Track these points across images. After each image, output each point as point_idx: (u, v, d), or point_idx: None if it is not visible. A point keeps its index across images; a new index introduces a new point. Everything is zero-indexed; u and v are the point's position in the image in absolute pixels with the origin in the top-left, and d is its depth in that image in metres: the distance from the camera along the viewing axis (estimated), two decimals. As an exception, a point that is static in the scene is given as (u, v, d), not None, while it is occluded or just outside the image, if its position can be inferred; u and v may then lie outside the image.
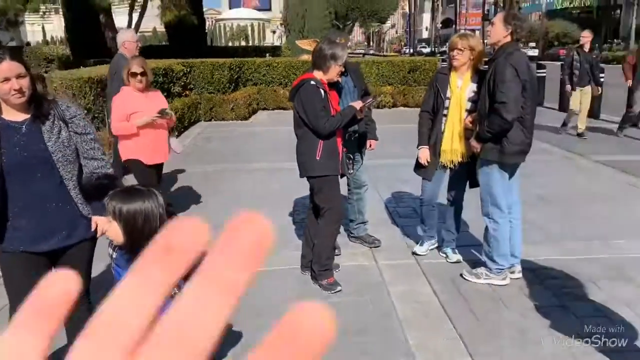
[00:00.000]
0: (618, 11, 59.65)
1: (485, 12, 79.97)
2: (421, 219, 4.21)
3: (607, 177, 6.82)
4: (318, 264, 3.64)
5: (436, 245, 4.21)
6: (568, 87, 9.28)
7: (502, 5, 67.40)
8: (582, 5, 66.33)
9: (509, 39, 3.40)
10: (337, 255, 3.98)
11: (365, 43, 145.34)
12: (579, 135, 9.33)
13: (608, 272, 3.77)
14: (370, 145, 4.29)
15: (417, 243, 4.24)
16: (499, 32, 3.42)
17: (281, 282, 3.71)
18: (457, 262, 3.98)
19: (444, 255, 4.09)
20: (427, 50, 72.71)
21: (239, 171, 7.22)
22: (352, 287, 3.65)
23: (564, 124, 9.65)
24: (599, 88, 9.37)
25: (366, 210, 4.44)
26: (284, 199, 5.70)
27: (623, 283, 3.60)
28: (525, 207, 5.22)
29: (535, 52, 55.57)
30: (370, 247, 4.32)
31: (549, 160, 7.66)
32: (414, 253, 4.17)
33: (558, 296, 3.45)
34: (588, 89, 9.08)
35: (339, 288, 3.59)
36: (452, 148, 3.79)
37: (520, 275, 3.70)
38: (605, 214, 5.21)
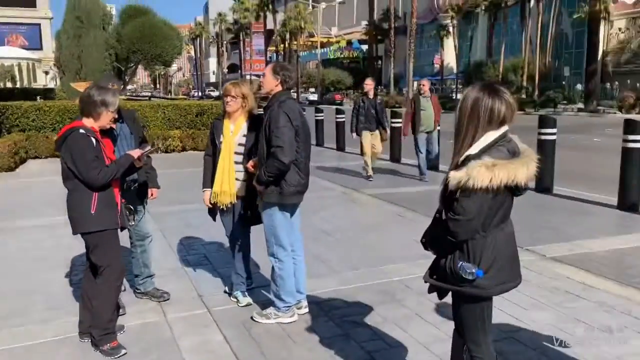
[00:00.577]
0: (379, 62, 68.39)
1: (268, 59, 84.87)
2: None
3: (378, 208, 7.63)
4: (98, 328, 3.32)
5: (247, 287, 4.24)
6: (354, 134, 9.65)
7: (283, 53, 72.36)
8: (351, 56, 74.73)
9: (279, 87, 3.60)
10: (121, 315, 3.69)
11: (152, 85, 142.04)
12: (368, 177, 9.60)
13: (381, 297, 4.17)
14: (152, 194, 4.12)
15: (220, 288, 4.24)
16: (270, 82, 3.61)
17: (54, 355, 3.28)
18: (248, 304, 4.01)
19: (235, 299, 4.09)
20: (215, 93, 73.79)
21: (2, 231, 6.31)
22: (138, 348, 3.40)
23: (365, 171, 9.78)
24: (387, 131, 9.77)
25: (152, 263, 4.23)
26: (59, 259, 5.13)
27: (394, 305, 4.01)
28: (311, 241, 5.55)
29: (315, 97, 60.58)
30: (159, 302, 4.11)
31: (330, 196, 8.29)
32: (224, 291, 4.27)
33: (340, 325, 3.68)
34: (377, 133, 9.54)
35: (123, 352, 3.31)
36: (222, 190, 3.89)
37: (307, 310, 3.88)
38: (377, 243, 5.80)
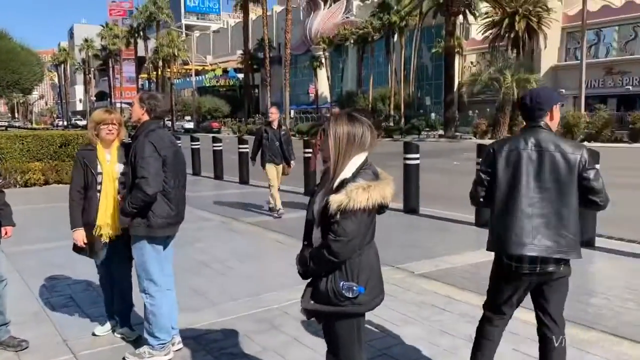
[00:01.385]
0: (256, 90, 69.06)
1: (140, 86, 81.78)
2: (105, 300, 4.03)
3: (258, 236, 7.63)
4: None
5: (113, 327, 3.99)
6: (251, 162, 9.21)
7: (155, 80, 70.23)
8: (227, 84, 74.65)
9: (147, 117, 3.56)
10: (-31, 371, 3.29)
11: (10, 114, 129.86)
12: (277, 212, 8.75)
13: (260, 325, 4.16)
14: (5, 233, 3.77)
15: (88, 330, 3.97)
16: (138, 111, 3.58)
17: None
18: (138, 337, 3.82)
19: (121, 335, 3.91)
20: (83, 122, 69.43)
21: None
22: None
23: (271, 208, 9.02)
24: (292, 164, 8.93)
25: (7, 309, 3.84)
26: None
27: (273, 333, 4.02)
28: (188, 274, 5.40)
29: (191, 125, 59.42)
30: (17, 351, 3.73)
31: (208, 226, 8.14)
32: (93, 334, 3.97)
33: (218, 358, 3.61)
34: (281, 166, 8.79)
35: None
36: (107, 222, 3.69)
37: (181, 345, 3.75)
38: (256, 271, 5.79)
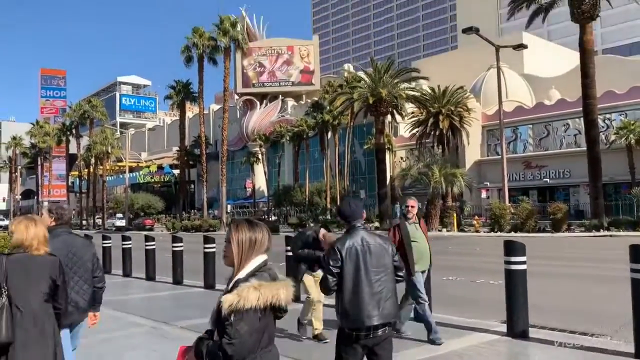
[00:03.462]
0: (192, 185, 68.66)
1: (70, 183, 79.39)
2: None
3: (190, 342, 7.23)
4: None
5: None
6: (303, 267, 6.86)
7: (87, 178, 68.47)
8: (162, 180, 73.91)
9: (54, 223, 4.25)
10: None
11: None
12: (316, 337, 6.67)
13: None
14: None
15: None
16: (46, 220, 4.17)
17: None
18: None
19: None
20: (5, 222, 65.60)
21: None
22: None
23: (300, 324, 6.88)
24: None
25: None
26: None
27: None
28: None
29: (122, 222, 57.50)
30: None
31: (138, 333, 7.67)
32: None
33: None
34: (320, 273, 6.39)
35: None
36: None
37: None
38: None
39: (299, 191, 49.68)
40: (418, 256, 6.55)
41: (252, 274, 2.33)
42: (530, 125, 41.79)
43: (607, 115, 36.07)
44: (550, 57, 57.82)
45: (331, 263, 3.58)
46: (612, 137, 34.03)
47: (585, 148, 29.54)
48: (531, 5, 30.98)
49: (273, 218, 49.47)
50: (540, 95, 46.82)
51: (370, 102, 36.09)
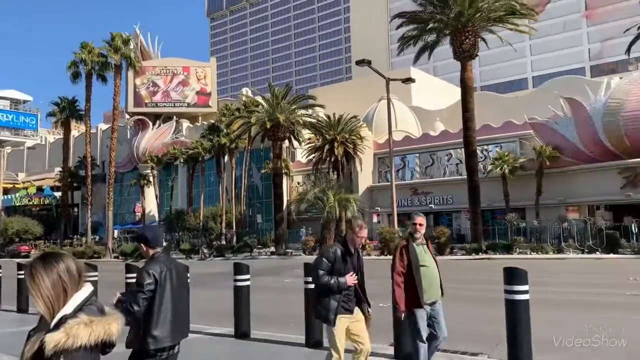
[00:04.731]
0: (76, 209, 64.21)
1: None
2: None
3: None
4: None
5: None
6: (333, 303, 4.94)
7: (-49, 199, 61.56)
8: (42, 203, 68.29)
9: None
10: None
11: None
12: None
13: None
14: None
15: None
16: None
17: None
18: None
19: None
20: None
21: None
22: None
23: None
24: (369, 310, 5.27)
25: None
26: None
27: None
28: None
29: (-6, 249, 52.18)
30: None
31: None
32: None
33: None
34: (358, 312, 5.16)
35: None
36: None
37: None
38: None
39: (192, 216, 48.26)
40: (427, 284, 5.41)
41: (79, 309, 2.13)
42: (417, 154, 44.23)
43: (485, 147, 39.15)
44: (435, 91, 61.95)
45: (147, 288, 3.84)
46: (489, 167, 36.95)
47: (466, 176, 31.76)
48: (418, 42, 33.12)
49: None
50: (426, 126, 49.85)
51: (268, 126, 36.28)
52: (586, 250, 26.82)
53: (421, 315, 5.42)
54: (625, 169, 32.93)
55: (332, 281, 4.87)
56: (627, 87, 33.73)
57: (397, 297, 5.36)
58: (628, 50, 29.11)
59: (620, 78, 38.77)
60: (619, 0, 77.01)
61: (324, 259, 4.99)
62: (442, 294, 5.66)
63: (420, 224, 5.60)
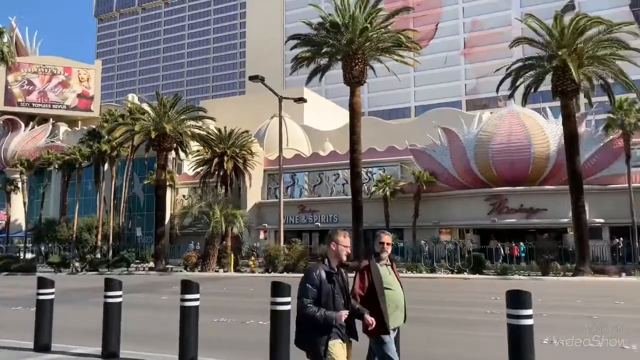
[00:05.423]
0: None
1: None
2: None
3: None
4: None
5: None
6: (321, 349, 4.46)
7: None
8: None
9: None
10: None
11: None
12: None
13: None
14: None
15: None
16: None
17: None
18: None
19: None
20: None
21: None
22: None
23: None
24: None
25: None
26: None
27: None
28: None
29: None
30: None
31: None
32: None
33: None
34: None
35: None
36: None
37: None
38: None
39: (65, 226, 44.78)
40: (392, 308, 5.03)
41: None
42: (307, 173, 45.02)
43: (370, 169, 40.85)
44: (326, 112, 63.72)
45: None
46: (373, 189, 38.57)
47: (351, 196, 32.85)
48: (311, 64, 33.94)
49: (30, 256, 43.47)
50: (316, 146, 50.98)
51: (153, 136, 34.93)
52: (455, 270, 28.82)
53: (388, 339, 5.01)
54: (491, 197, 36.00)
55: (319, 314, 4.32)
56: (496, 122, 37.14)
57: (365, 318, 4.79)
58: (497, 89, 32.10)
59: (491, 113, 42.67)
60: (492, 43, 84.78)
61: (308, 285, 4.43)
62: (405, 319, 5.22)
63: (387, 243, 5.21)
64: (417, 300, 15.79)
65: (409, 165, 39.07)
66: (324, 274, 4.48)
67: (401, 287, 5.23)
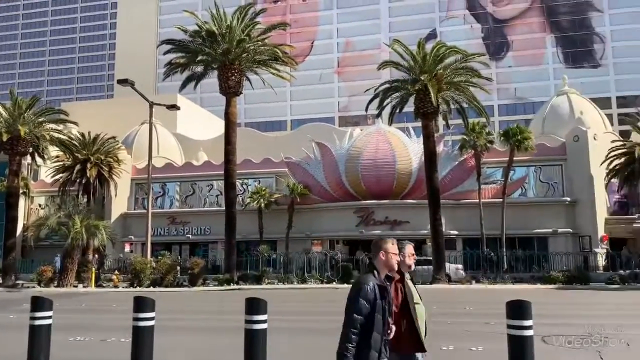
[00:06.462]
0: None
1: None
2: None
3: None
4: None
5: None
6: (374, 354, 4.20)
7: None
8: None
9: None
10: None
11: None
12: None
13: None
14: None
15: None
16: None
17: None
18: None
19: None
20: None
21: None
22: None
23: None
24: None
25: None
26: None
27: None
28: None
29: None
30: None
31: None
32: None
33: None
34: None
35: None
36: None
37: None
38: None
39: None
40: (421, 323, 4.67)
41: None
42: (179, 183, 43.61)
43: (245, 180, 40.68)
44: (201, 121, 62.38)
45: None
46: (247, 200, 38.43)
47: (224, 208, 32.42)
48: (185, 71, 33.16)
49: None
50: (189, 155, 49.64)
51: (4, 139, 31.71)
52: (325, 281, 29.65)
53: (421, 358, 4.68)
54: (360, 209, 37.65)
55: None
56: (365, 139, 39.06)
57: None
58: (367, 108, 33.83)
59: (361, 130, 44.75)
60: (363, 64, 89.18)
61: (361, 299, 3.97)
62: (425, 334, 4.79)
63: (413, 255, 4.87)
64: (288, 312, 16.02)
65: (284, 178, 39.56)
66: (377, 288, 4.07)
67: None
